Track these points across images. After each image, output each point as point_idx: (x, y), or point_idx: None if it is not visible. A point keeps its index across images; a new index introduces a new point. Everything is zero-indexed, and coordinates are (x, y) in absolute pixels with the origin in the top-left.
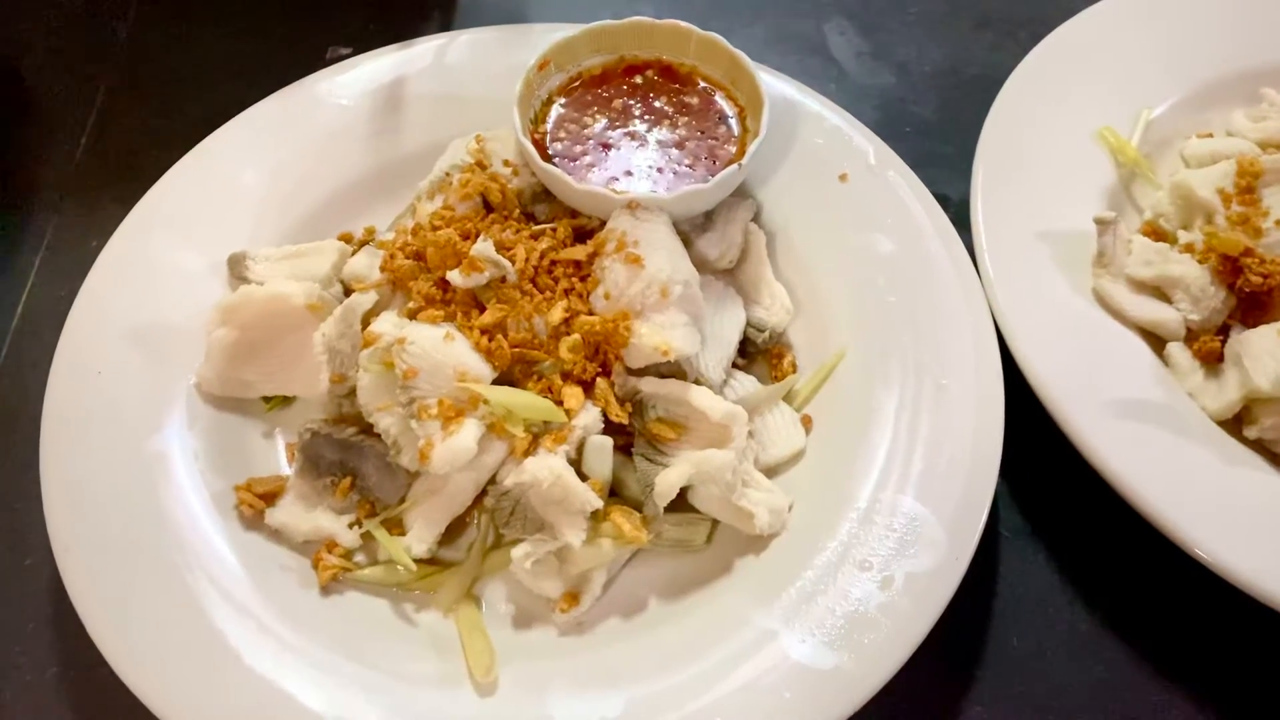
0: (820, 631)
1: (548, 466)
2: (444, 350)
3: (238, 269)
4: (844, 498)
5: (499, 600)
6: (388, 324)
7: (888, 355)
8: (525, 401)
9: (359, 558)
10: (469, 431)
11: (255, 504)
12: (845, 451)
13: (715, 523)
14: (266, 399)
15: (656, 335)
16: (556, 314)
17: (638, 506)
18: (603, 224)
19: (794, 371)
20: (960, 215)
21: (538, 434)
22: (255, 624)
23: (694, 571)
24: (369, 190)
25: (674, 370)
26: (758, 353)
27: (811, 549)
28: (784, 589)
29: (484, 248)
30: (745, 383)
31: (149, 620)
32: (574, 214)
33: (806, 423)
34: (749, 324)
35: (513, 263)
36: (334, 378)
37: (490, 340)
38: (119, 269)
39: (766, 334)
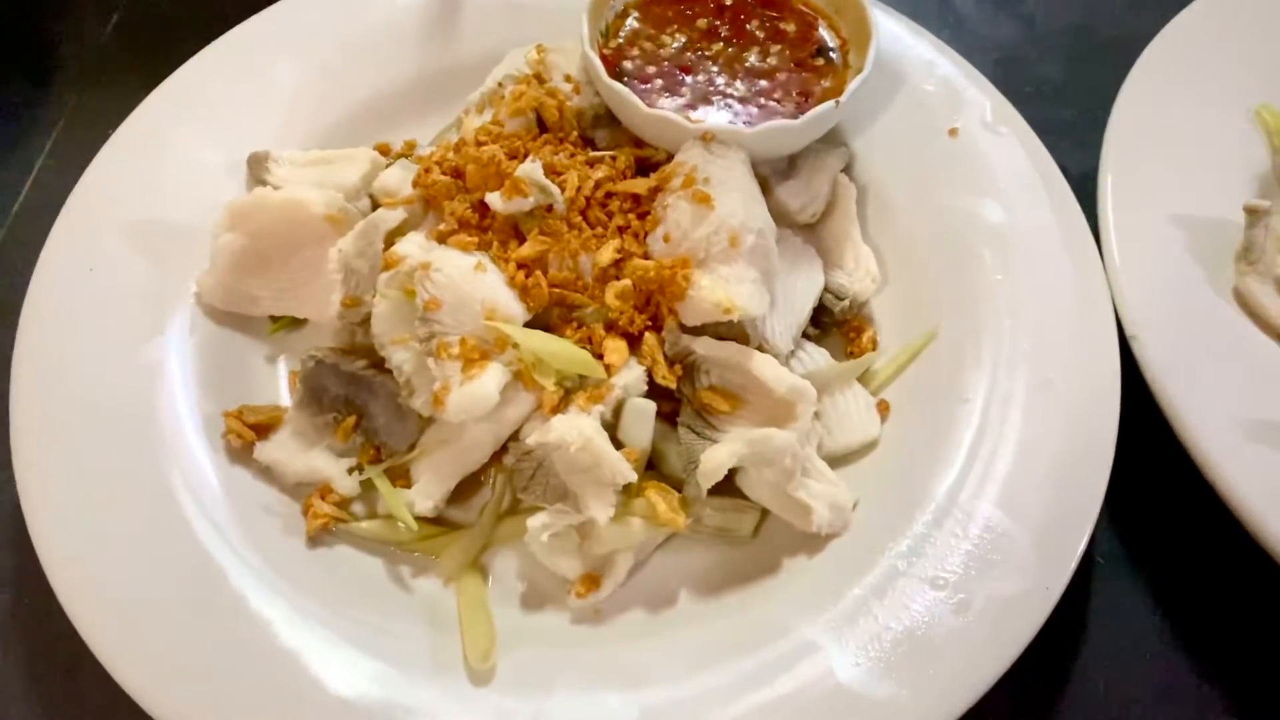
0: (877, 654)
1: (577, 428)
2: (473, 282)
3: (258, 170)
4: (919, 500)
5: (508, 575)
6: (413, 246)
7: (986, 340)
8: (560, 350)
9: (356, 508)
10: (491, 377)
11: (245, 434)
12: (925, 447)
13: (764, 513)
14: (273, 319)
15: (719, 289)
16: (606, 254)
17: (677, 485)
18: (671, 157)
19: (874, 349)
20: (1080, 192)
21: (570, 389)
22: (236, 559)
23: (734, 566)
24: (415, 99)
25: (735, 332)
26: (833, 323)
27: (875, 556)
28: (838, 599)
29: (531, 169)
30: (815, 356)
31: (108, 552)
32: (639, 143)
33: (883, 409)
34: (827, 289)
35: (562, 190)
36: (346, 300)
37: (527, 276)
38: (128, 157)
39: (846, 302)
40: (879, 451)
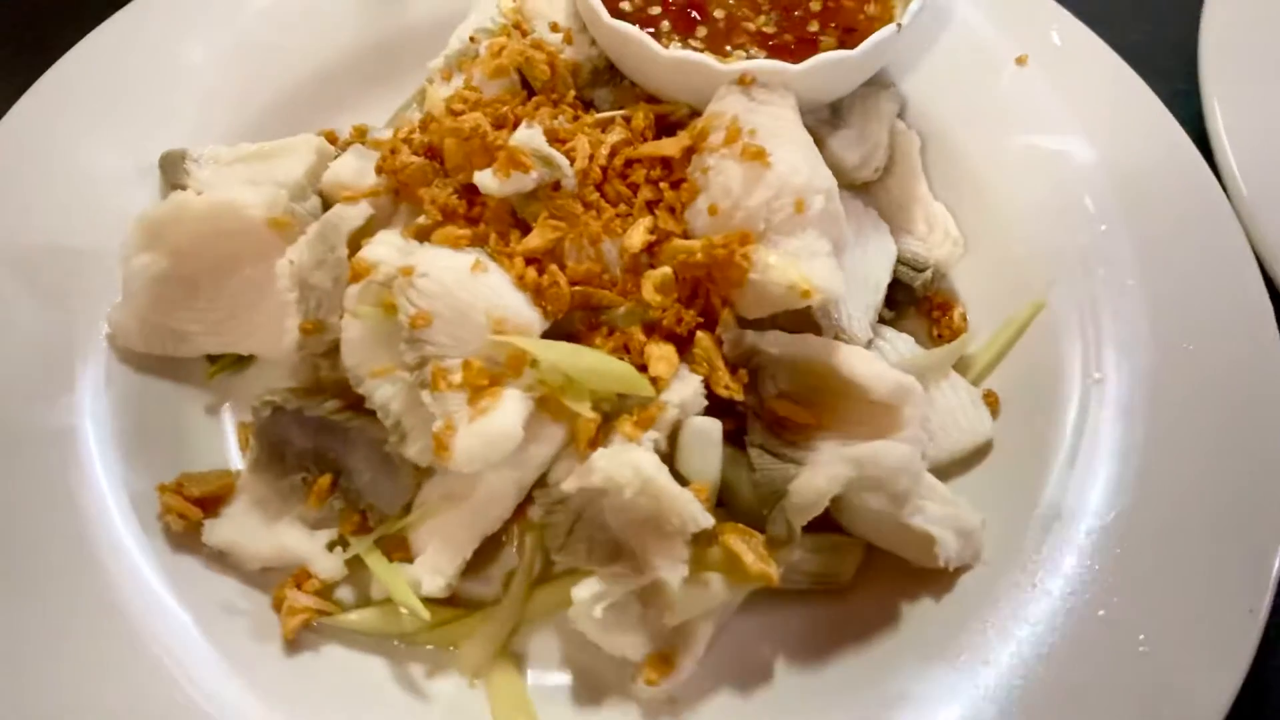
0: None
1: (630, 464)
2: (471, 286)
3: (174, 173)
4: (1059, 512)
5: (550, 662)
6: (387, 248)
7: (1102, 308)
8: (592, 364)
9: (343, 593)
10: (511, 409)
11: (189, 513)
12: (1053, 442)
13: (864, 548)
14: (211, 359)
15: (791, 268)
16: (637, 236)
17: (755, 524)
18: (696, 113)
19: (965, 329)
20: None
21: (610, 414)
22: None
23: (836, 621)
24: (361, 75)
25: (803, 322)
26: (910, 302)
27: (1021, 590)
28: (990, 650)
29: (530, 136)
30: (898, 344)
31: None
32: (651, 100)
33: (991, 402)
34: (900, 261)
35: (571, 161)
36: (306, 325)
37: (540, 273)
38: (6, 168)
39: (927, 274)
40: (995, 455)
